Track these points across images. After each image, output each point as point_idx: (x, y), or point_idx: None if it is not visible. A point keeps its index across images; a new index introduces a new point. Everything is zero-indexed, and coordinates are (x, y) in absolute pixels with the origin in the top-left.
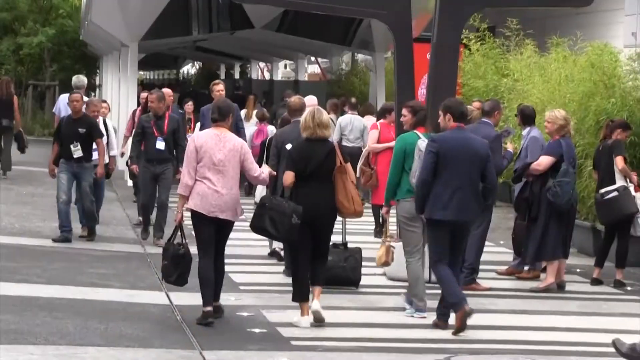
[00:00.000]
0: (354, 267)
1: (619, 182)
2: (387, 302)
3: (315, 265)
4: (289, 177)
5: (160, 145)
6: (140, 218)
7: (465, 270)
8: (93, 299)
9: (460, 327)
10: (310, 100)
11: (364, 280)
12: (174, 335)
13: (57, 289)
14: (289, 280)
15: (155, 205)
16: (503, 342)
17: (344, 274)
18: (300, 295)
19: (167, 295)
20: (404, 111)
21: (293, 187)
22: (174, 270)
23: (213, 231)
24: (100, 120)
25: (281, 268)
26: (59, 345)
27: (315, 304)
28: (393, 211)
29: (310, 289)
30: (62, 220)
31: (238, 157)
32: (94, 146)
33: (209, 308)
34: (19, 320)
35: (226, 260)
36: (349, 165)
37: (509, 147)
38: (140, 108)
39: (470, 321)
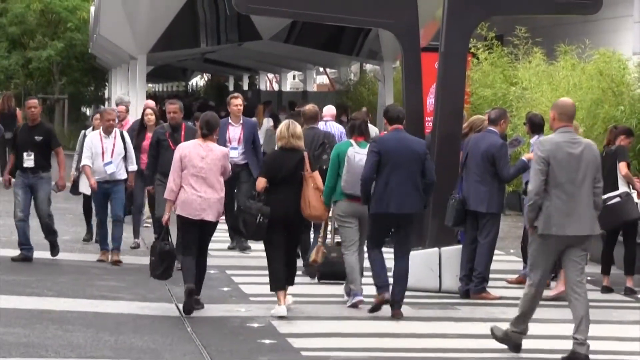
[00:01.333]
0: None
1: (622, 188)
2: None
3: (289, 264)
4: (261, 182)
5: None
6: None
7: (476, 279)
8: (103, 312)
9: (374, 309)
10: (329, 110)
11: (373, 291)
12: (184, 347)
13: (68, 301)
14: (300, 291)
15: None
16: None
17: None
18: (277, 285)
19: (177, 307)
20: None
21: (266, 192)
22: (160, 265)
23: (197, 232)
24: (116, 132)
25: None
26: (69, 358)
27: (288, 298)
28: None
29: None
30: (21, 239)
31: (219, 165)
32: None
33: (191, 285)
34: (30, 334)
35: (236, 272)
36: (316, 173)
37: (525, 156)
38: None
39: (482, 330)
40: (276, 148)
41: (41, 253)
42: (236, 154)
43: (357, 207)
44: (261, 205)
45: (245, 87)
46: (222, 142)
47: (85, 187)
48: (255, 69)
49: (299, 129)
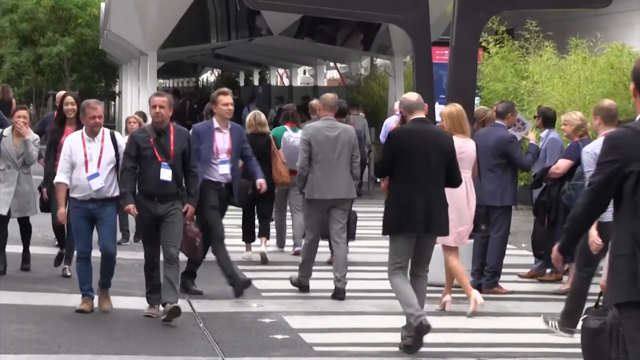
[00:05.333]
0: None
1: None
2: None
3: (263, 222)
4: (241, 161)
5: (166, 174)
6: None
7: (487, 273)
8: (116, 308)
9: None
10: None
11: (385, 285)
12: (197, 343)
13: (80, 298)
14: (312, 286)
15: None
16: (527, 345)
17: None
18: (248, 238)
19: (190, 303)
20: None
21: (244, 168)
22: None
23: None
24: (105, 134)
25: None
26: (82, 354)
27: (262, 248)
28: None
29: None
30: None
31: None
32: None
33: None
34: (42, 330)
35: (248, 267)
36: (280, 151)
37: (531, 137)
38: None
39: (494, 324)
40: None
41: (53, 250)
42: (227, 170)
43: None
44: (246, 181)
45: (256, 83)
46: (208, 154)
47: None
48: (265, 64)
49: (263, 117)
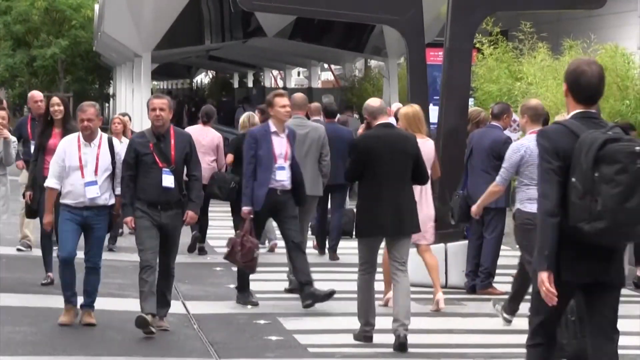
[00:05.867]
0: (348, 222)
1: None
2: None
3: None
4: (230, 158)
5: (169, 180)
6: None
7: (482, 274)
8: (111, 310)
9: None
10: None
11: (379, 287)
12: (191, 344)
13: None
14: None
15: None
16: (521, 346)
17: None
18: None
19: (184, 305)
20: (256, 113)
21: (234, 164)
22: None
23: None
24: (102, 139)
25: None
26: (77, 356)
27: None
28: None
29: None
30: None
31: None
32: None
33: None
34: (37, 332)
35: None
36: None
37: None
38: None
39: (488, 325)
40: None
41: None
42: (285, 176)
43: None
44: (232, 175)
45: (250, 84)
46: (268, 160)
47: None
48: (259, 65)
49: (257, 119)
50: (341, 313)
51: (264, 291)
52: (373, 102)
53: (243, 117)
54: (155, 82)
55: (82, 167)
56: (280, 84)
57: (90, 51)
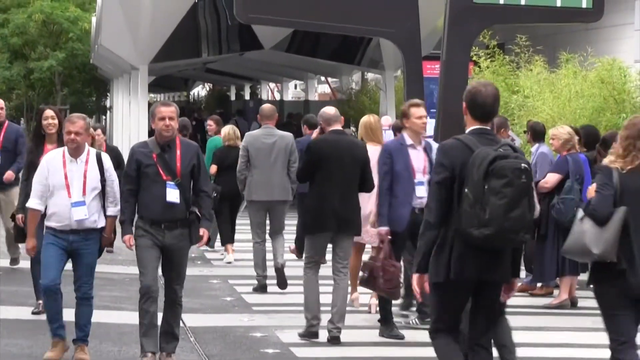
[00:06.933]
0: None
1: None
2: (401, 321)
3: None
4: (213, 168)
5: (173, 195)
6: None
7: None
8: (107, 322)
9: None
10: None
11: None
12: (187, 357)
13: (70, 312)
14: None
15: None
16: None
17: None
18: (227, 240)
19: (181, 318)
20: (210, 122)
21: (217, 174)
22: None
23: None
24: (90, 155)
25: (292, 288)
26: None
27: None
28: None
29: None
30: None
31: None
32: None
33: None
34: (33, 344)
35: (239, 282)
36: None
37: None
38: None
39: None
40: (225, 145)
41: None
42: (425, 192)
43: None
44: (214, 184)
45: (247, 97)
46: (407, 175)
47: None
48: (256, 78)
49: (237, 132)
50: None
51: (260, 304)
52: (329, 110)
53: (227, 130)
54: (152, 95)
55: (69, 186)
56: (277, 96)
57: (87, 64)
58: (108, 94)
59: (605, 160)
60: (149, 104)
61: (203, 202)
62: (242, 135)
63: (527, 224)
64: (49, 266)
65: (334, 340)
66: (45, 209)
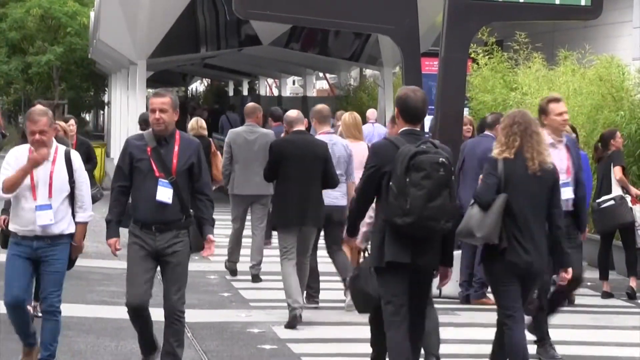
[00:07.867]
0: None
1: (616, 191)
2: None
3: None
4: None
5: (164, 194)
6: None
7: (476, 284)
8: (104, 317)
9: None
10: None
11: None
12: (185, 353)
13: (68, 307)
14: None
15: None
16: None
17: None
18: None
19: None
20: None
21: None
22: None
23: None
24: (58, 153)
25: None
26: None
27: None
28: None
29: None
30: None
31: None
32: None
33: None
34: None
35: (236, 277)
36: (218, 152)
37: None
38: None
39: (482, 336)
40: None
41: None
42: (570, 194)
43: None
44: None
45: (245, 92)
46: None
47: None
48: (255, 74)
49: (203, 122)
50: (334, 322)
51: (257, 300)
52: (292, 113)
53: (192, 121)
54: (150, 90)
55: (34, 187)
56: (275, 92)
57: (86, 58)
58: (106, 88)
59: (495, 152)
60: (147, 99)
61: (204, 207)
62: (228, 129)
63: (448, 213)
64: (12, 280)
65: (291, 325)
66: (10, 211)
